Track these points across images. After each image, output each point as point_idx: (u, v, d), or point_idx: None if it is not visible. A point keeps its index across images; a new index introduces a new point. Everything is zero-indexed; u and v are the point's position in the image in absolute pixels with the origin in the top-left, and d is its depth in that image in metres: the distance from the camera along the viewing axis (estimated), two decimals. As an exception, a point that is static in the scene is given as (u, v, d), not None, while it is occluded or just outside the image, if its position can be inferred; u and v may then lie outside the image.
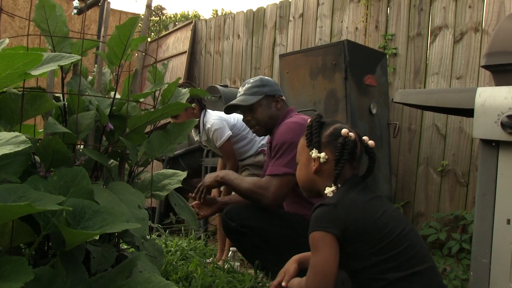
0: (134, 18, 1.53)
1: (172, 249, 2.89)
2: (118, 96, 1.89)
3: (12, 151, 1.01)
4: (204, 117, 2.93)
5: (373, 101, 2.97)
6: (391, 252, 1.30)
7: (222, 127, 2.78)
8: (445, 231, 2.99)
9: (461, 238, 2.90)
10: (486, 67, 1.98)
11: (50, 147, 1.46)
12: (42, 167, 1.53)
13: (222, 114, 2.78)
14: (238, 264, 2.65)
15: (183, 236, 3.51)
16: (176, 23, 6.77)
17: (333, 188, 1.41)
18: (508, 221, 1.89)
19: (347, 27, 3.95)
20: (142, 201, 1.51)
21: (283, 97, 2.36)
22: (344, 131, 1.41)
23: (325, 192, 1.42)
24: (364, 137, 1.49)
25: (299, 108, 2.93)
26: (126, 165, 1.85)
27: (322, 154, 1.43)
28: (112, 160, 1.87)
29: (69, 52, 1.72)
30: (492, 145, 1.89)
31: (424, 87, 3.39)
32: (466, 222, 2.95)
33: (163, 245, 2.98)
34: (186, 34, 5.66)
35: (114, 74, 1.78)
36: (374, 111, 2.96)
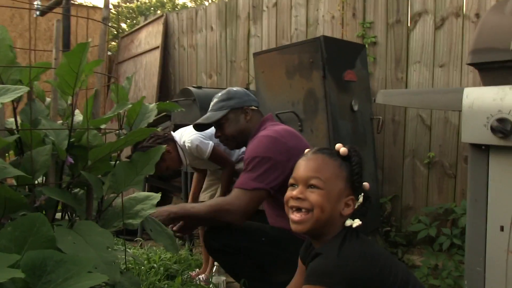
0: (83, 44, 1.36)
1: (156, 264, 2.76)
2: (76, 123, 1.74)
3: None
4: (178, 146, 2.78)
5: (354, 97, 2.84)
6: None
7: (201, 140, 2.65)
8: (435, 226, 2.91)
9: (452, 233, 2.82)
10: (472, 65, 1.85)
11: (1, 195, 1.31)
12: (-4, 214, 1.37)
13: (188, 129, 2.66)
14: (224, 278, 2.54)
15: (166, 245, 3.38)
16: (148, 13, 6.54)
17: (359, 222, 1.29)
18: (502, 228, 1.80)
19: (323, 16, 3.79)
20: (110, 242, 1.37)
21: (253, 107, 2.23)
22: (367, 185, 1.32)
23: (346, 224, 1.29)
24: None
25: (277, 110, 2.80)
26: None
27: (361, 200, 1.30)
28: (78, 190, 1.72)
29: (17, 80, 1.56)
30: (482, 149, 1.79)
31: (406, 77, 3.27)
32: (456, 216, 2.87)
33: (146, 261, 2.86)
34: (158, 28, 5.45)
35: (68, 104, 1.61)
36: (355, 107, 2.83)
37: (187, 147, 2.65)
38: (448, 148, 3.08)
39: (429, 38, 3.17)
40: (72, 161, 1.58)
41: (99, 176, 1.66)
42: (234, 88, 2.29)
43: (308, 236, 1.36)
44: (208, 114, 2.25)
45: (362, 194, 1.29)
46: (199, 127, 2.33)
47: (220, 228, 2.12)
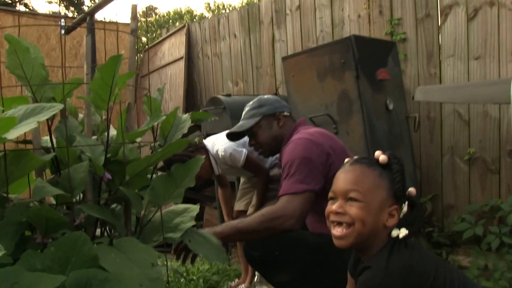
0: (116, 57, 1.34)
1: (195, 277, 2.73)
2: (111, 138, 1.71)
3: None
4: (210, 155, 2.74)
5: (388, 96, 2.76)
6: None
7: (234, 148, 2.60)
8: (481, 225, 2.79)
9: (500, 231, 2.69)
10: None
11: (41, 215, 1.29)
12: (38, 234, 1.36)
13: (220, 137, 2.62)
14: (266, 288, 2.49)
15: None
16: (169, 27, 6.57)
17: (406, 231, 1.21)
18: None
19: (348, 16, 3.72)
20: (154, 258, 1.33)
21: (286, 113, 2.19)
22: (413, 190, 1.24)
23: (393, 234, 1.22)
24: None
25: (309, 114, 2.73)
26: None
27: (405, 209, 1.22)
28: (116, 205, 1.70)
29: (51, 97, 1.54)
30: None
31: (440, 72, 3.16)
32: (503, 213, 2.74)
33: (184, 273, 2.83)
34: (181, 38, 5.46)
35: (104, 119, 1.59)
36: (390, 107, 2.74)
37: (220, 156, 2.61)
38: (489, 143, 2.96)
39: (462, 31, 3.06)
40: (110, 177, 1.55)
41: (137, 190, 1.64)
42: (265, 96, 2.26)
43: (353, 249, 1.30)
44: (240, 122, 2.23)
45: (406, 202, 1.21)
46: (233, 136, 2.31)
47: None
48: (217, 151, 2.66)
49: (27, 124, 1.16)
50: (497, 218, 2.83)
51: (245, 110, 2.25)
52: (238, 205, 2.92)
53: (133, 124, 1.72)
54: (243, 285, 2.63)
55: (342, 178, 1.27)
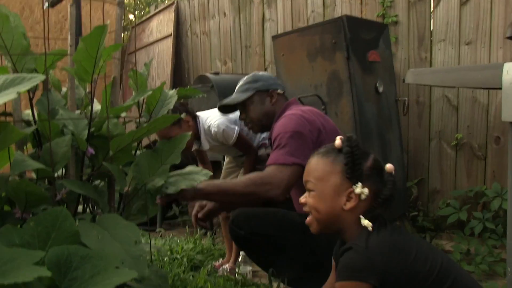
0: (101, 27, 1.28)
1: (179, 256, 2.71)
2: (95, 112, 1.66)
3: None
4: (201, 123, 2.69)
5: (378, 78, 2.73)
6: None
7: (227, 125, 2.56)
8: (465, 210, 2.81)
9: (484, 216, 2.72)
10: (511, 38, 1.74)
11: (21, 189, 1.25)
12: (18, 208, 1.32)
13: (216, 111, 2.55)
14: (250, 268, 2.48)
15: (188, 235, 3.32)
16: (157, 4, 6.44)
17: (371, 224, 1.21)
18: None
19: (341, -4, 3.67)
20: (137, 236, 1.30)
21: (280, 91, 2.18)
22: (390, 167, 1.25)
23: (364, 223, 1.21)
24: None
25: (299, 94, 2.69)
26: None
27: (366, 190, 1.21)
28: (99, 181, 1.66)
29: (32, 69, 1.49)
30: (524, 128, 1.68)
31: (431, 56, 3.14)
32: (487, 199, 2.76)
33: (168, 252, 2.80)
34: (169, 15, 5.34)
35: (87, 92, 1.53)
36: (380, 89, 2.72)
37: (212, 132, 2.57)
38: (476, 129, 2.96)
39: (454, 15, 3.03)
40: (93, 152, 1.51)
41: (121, 166, 1.60)
42: (260, 72, 2.25)
43: (328, 233, 1.33)
44: (233, 96, 2.21)
45: (360, 183, 1.21)
46: (224, 109, 2.29)
47: (245, 217, 2.04)
48: (209, 126, 2.62)
49: (6, 95, 1.11)
50: (481, 204, 2.85)
51: (239, 84, 2.23)
52: None
53: (119, 99, 1.67)
54: (227, 265, 2.62)
55: (305, 171, 1.35)
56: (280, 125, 2.00)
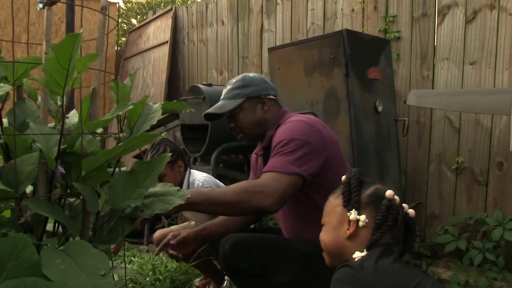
0: (74, 36, 1.14)
1: (161, 277, 2.56)
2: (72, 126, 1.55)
3: None
4: (189, 175, 2.64)
5: (378, 97, 2.60)
6: None
7: (211, 185, 2.54)
8: (464, 238, 2.67)
9: (484, 246, 2.58)
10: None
11: (-26, 214, 1.11)
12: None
13: (208, 175, 2.53)
14: (235, 294, 2.33)
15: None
16: (157, 8, 6.34)
17: (364, 253, 1.17)
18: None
19: (342, 9, 3.55)
20: (106, 265, 1.16)
21: (272, 96, 1.97)
22: (389, 193, 1.21)
23: (354, 256, 1.18)
24: (404, 205, 1.25)
25: (294, 110, 2.53)
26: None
27: (363, 217, 1.20)
28: (75, 199, 1.53)
29: (2, 76, 1.37)
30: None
31: (433, 74, 3.02)
32: (488, 227, 2.62)
33: (151, 272, 2.66)
34: (167, 22, 5.24)
35: (58, 105, 1.40)
36: (380, 108, 2.59)
37: (195, 185, 2.52)
38: (478, 153, 2.83)
39: (459, 33, 2.91)
40: (63, 171, 1.38)
41: (96, 186, 1.47)
42: (251, 74, 2.02)
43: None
44: (220, 102, 1.98)
45: (353, 209, 1.21)
46: (210, 117, 2.05)
47: (245, 245, 1.86)
48: (193, 180, 2.57)
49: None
50: (481, 233, 2.71)
51: (227, 88, 2.00)
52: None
53: (98, 112, 1.54)
54: (211, 288, 2.46)
55: None
56: (285, 131, 1.80)
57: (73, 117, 1.60)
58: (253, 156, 2.16)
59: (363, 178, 1.29)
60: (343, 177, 1.30)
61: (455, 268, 2.64)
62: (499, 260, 2.50)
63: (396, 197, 1.21)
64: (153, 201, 1.49)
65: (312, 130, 1.78)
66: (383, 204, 1.18)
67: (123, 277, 1.77)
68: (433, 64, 3.03)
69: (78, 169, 1.41)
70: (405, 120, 2.80)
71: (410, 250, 2.94)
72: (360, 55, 2.49)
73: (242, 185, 1.69)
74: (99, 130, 1.50)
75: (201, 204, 1.63)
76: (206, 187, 2.46)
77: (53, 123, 1.49)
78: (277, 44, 3.92)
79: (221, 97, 2.02)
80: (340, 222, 1.25)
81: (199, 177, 2.58)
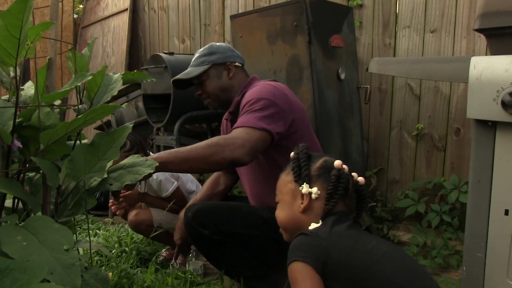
0: (23, 1, 1.09)
1: (127, 248, 2.55)
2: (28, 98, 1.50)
3: None
4: None
5: (341, 64, 2.62)
6: None
7: (167, 177, 2.49)
8: (424, 202, 2.77)
9: (441, 209, 2.68)
10: (480, 30, 1.65)
11: None
12: None
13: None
14: (202, 263, 2.35)
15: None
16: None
17: (320, 224, 1.21)
18: (506, 212, 1.65)
19: (305, -24, 3.51)
20: (69, 240, 1.15)
21: (238, 64, 2.06)
22: (337, 163, 1.25)
23: (309, 228, 1.22)
24: (353, 173, 1.30)
25: (258, 79, 2.55)
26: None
27: (314, 189, 1.24)
28: (35, 174, 1.49)
29: None
30: (488, 125, 1.61)
31: (395, 42, 3.05)
32: (445, 191, 2.72)
33: (117, 244, 2.64)
34: (126, -12, 5.05)
35: (11, 77, 1.35)
36: (342, 76, 2.61)
37: (154, 178, 2.48)
38: (438, 120, 2.91)
39: (420, 1, 2.94)
40: (20, 145, 1.34)
41: (57, 160, 1.44)
42: (217, 43, 2.10)
43: None
44: (188, 69, 2.07)
45: (305, 183, 1.26)
46: (178, 84, 2.13)
47: (207, 212, 1.89)
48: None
49: None
50: (439, 196, 2.82)
51: (194, 56, 2.09)
52: None
53: (55, 83, 1.49)
54: (178, 261, 2.46)
55: None
56: (253, 92, 1.87)
57: (28, 89, 1.55)
58: (223, 122, 2.21)
59: (311, 152, 1.33)
60: (292, 154, 1.34)
61: (414, 230, 2.74)
62: (454, 221, 2.62)
63: (344, 166, 1.26)
64: (121, 173, 1.48)
65: (279, 93, 1.85)
66: (332, 175, 1.22)
67: (88, 251, 1.76)
68: (395, 32, 3.06)
69: (36, 143, 1.38)
70: (367, 87, 2.84)
71: (372, 215, 3.03)
72: (323, 22, 2.49)
73: (213, 139, 1.69)
74: (57, 102, 1.46)
75: (172, 163, 1.60)
76: (161, 180, 2.49)
77: (7, 96, 1.44)
78: (240, 11, 3.86)
79: (190, 65, 2.09)
80: (294, 198, 1.28)
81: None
